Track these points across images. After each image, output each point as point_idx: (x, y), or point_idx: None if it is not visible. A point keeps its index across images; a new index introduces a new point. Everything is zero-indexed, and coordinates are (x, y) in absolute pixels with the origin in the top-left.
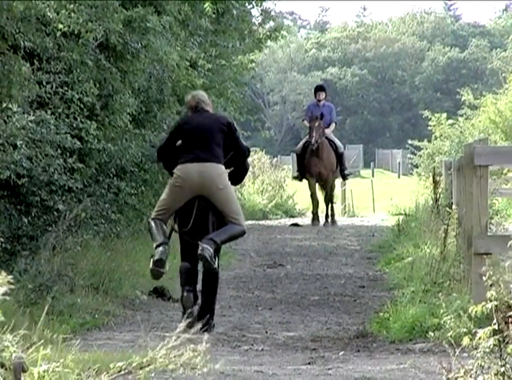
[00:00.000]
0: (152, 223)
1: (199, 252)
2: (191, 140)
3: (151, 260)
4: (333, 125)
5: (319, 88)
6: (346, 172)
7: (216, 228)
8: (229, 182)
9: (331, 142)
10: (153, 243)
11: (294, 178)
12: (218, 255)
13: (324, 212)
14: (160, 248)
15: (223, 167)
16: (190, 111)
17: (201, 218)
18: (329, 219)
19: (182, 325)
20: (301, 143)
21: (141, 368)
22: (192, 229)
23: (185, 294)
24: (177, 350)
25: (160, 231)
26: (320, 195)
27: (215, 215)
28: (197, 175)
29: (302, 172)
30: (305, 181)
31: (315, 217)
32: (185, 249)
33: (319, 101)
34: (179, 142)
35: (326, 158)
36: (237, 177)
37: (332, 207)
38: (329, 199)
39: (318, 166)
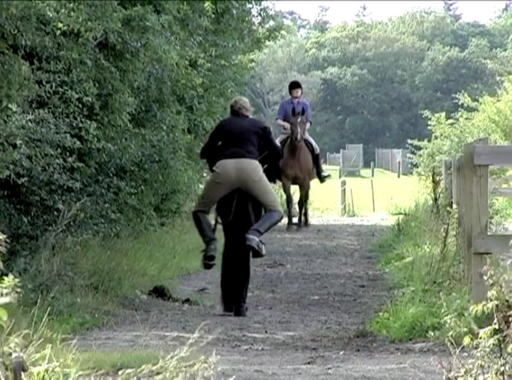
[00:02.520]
0: (200, 217)
1: (246, 243)
2: (229, 139)
3: (203, 255)
4: (308, 125)
5: (294, 85)
6: (323, 174)
7: (255, 217)
8: (264, 175)
9: (307, 143)
10: (202, 237)
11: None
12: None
13: (298, 214)
14: (212, 246)
15: (257, 162)
16: (231, 114)
17: (242, 209)
18: (303, 220)
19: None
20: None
21: (150, 377)
22: (233, 220)
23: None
24: (187, 360)
25: (207, 226)
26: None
27: (254, 205)
28: (233, 170)
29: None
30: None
31: (290, 221)
32: (228, 239)
33: (295, 97)
34: (220, 142)
35: (303, 159)
36: (271, 174)
37: (306, 209)
38: (303, 201)
39: (294, 169)
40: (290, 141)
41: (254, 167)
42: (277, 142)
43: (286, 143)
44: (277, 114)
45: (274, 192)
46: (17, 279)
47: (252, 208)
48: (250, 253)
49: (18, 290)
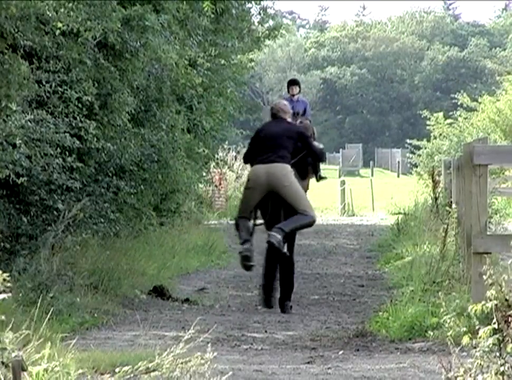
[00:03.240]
0: (238, 222)
1: (267, 239)
2: (263, 144)
3: (239, 256)
4: (308, 122)
5: (292, 82)
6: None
7: (286, 218)
8: (295, 179)
9: None
10: (238, 240)
11: None
12: (293, 243)
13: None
14: (245, 246)
15: (288, 167)
16: (271, 117)
17: (276, 211)
18: None
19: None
20: None
21: (146, 373)
22: (269, 221)
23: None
24: (183, 357)
25: (244, 229)
26: None
27: (286, 208)
28: (264, 175)
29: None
30: None
31: None
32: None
33: (293, 95)
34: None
35: None
36: (314, 170)
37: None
38: None
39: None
40: None
41: (285, 172)
42: None
43: None
44: None
45: (306, 196)
46: (6, 274)
47: (285, 210)
48: (293, 252)
49: (8, 284)
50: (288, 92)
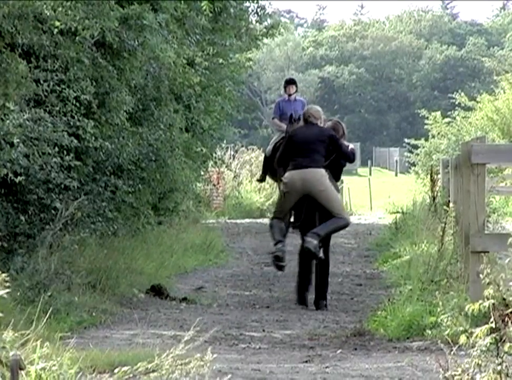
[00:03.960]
0: (273, 222)
1: (304, 245)
2: (296, 149)
3: (272, 256)
4: None
5: (289, 82)
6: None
7: (321, 222)
8: (330, 183)
9: None
10: (272, 241)
11: (258, 180)
12: (328, 245)
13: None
14: (278, 246)
15: (323, 171)
16: (303, 121)
17: (310, 214)
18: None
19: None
20: (271, 145)
21: (145, 374)
22: (303, 224)
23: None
24: (182, 358)
25: (277, 230)
26: None
27: (322, 211)
28: (299, 181)
29: (267, 174)
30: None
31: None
32: (302, 241)
33: (290, 95)
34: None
35: None
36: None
37: None
38: None
39: None
40: None
41: (319, 177)
42: (273, 141)
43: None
44: (273, 113)
45: (339, 198)
46: (4, 275)
47: (319, 213)
48: (329, 252)
49: (6, 284)
50: (285, 91)
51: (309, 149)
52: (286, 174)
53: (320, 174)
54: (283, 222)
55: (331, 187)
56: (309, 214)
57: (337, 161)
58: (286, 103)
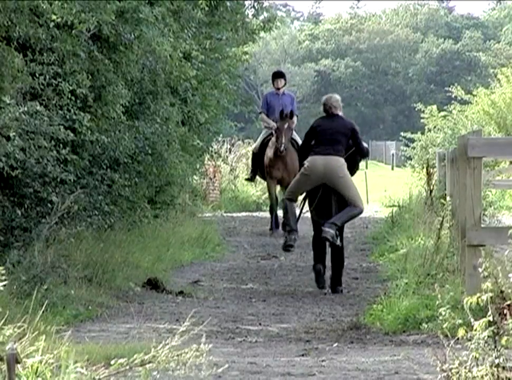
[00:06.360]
0: (287, 206)
1: (322, 235)
2: (320, 138)
3: (284, 242)
4: (295, 119)
5: (277, 75)
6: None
7: (338, 210)
8: (348, 172)
9: (293, 142)
10: (286, 226)
11: (247, 180)
12: (342, 232)
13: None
14: (292, 236)
15: (343, 160)
16: (323, 111)
17: (325, 201)
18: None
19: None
20: (259, 140)
21: (142, 365)
22: (316, 209)
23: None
24: (179, 349)
25: (292, 216)
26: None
27: (337, 199)
28: (321, 165)
29: (257, 173)
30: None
31: (272, 225)
32: (314, 226)
33: (278, 89)
34: (313, 141)
35: (290, 162)
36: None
37: None
38: None
39: (281, 171)
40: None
41: (340, 164)
42: (261, 137)
43: (270, 140)
44: (260, 106)
45: (357, 189)
46: (1, 268)
47: (336, 202)
48: (343, 243)
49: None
50: (273, 85)
51: (332, 139)
52: (309, 158)
53: (341, 163)
54: (294, 203)
55: (349, 175)
56: (322, 201)
57: (353, 156)
58: (274, 97)
